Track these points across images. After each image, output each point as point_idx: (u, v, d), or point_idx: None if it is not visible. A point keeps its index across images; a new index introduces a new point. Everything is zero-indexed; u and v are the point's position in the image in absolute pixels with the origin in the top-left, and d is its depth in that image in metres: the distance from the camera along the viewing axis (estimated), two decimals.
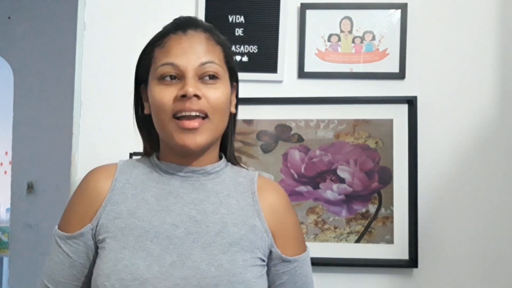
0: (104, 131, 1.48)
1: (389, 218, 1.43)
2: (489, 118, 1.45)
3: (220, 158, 1.02)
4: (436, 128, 1.45)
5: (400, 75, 1.46)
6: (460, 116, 1.46)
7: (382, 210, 1.44)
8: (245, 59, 1.48)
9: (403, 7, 1.46)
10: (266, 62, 1.47)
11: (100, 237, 0.92)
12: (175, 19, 0.99)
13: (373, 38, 1.47)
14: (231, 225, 0.93)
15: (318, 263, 1.40)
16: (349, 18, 1.48)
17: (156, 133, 1.00)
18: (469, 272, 1.43)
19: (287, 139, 1.47)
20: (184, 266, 0.88)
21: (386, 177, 1.44)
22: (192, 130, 0.91)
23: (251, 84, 1.44)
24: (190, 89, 0.90)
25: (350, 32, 1.48)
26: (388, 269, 1.43)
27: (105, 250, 0.91)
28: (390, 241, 1.43)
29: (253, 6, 1.48)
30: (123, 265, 0.88)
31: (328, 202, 1.44)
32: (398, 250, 1.42)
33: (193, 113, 0.91)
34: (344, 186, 1.44)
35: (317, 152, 1.46)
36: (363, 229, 1.44)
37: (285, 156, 1.46)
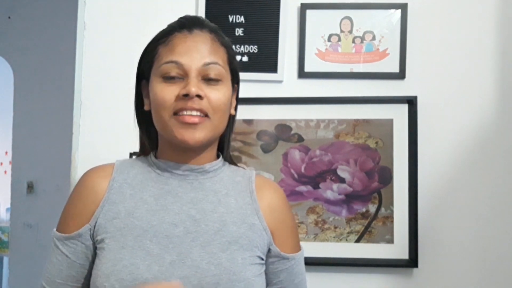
0: (104, 131, 1.48)
1: (389, 218, 1.43)
2: (489, 118, 1.45)
3: (218, 157, 1.03)
4: (436, 128, 1.45)
5: (400, 75, 1.46)
6: (460, 116, 1.46)
7: (382, 210, 1.44)
8: (245, 59, 1.48)
9: (403, 7, 1.46)
10: (266, 62, 1.47)
11: (99, 238, 0.92)
12: (181, 18, 0.99)
13: (373, 38, 1.47)
14: (230, 224, 0.93)
15: (318, 263, 1.40)
16: (349, 18, 1.48)
17: (155, 130, 1.00)
18: (469, 272, 1.43)
19: (287, 139, 1.47)
20: (184, 265, 0.88)
21: (386, 177, 1.44)
22: (192, 125, 0.91)
23: (251, 84, 1.44)
24: (193, 89, 0.90)
25: (350, 32, 1.48)
26: (388, 269, 1.43)
27: (104, 251, 0.90)
28: (390, 241, 1.43)
29: (253, 6, 1.48)
30: (122, 265, 0.88)
31: (328, 202, 1.44)
32: (398, 250, 1.42)
33: (194, 112, 0.92)
34: (344, 186, 1.44)
35: (317, 152, 1.46)
36: (363, 229, 1.44)
37: (285, 156, 1.46)
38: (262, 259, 0.96)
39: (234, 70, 1.00)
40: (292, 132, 1.47)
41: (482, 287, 1.43)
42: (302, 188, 1.45)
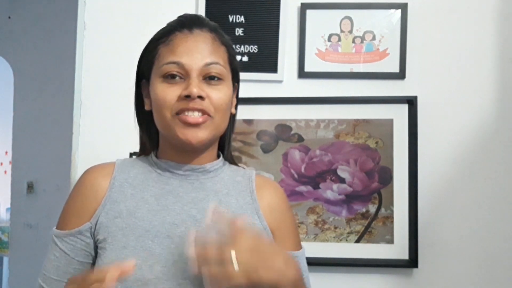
0: (104, 131, 1.48)
1: (389, 218, 1.43)
2: (489, 118, 1.45)
3: (218, 157, 1.03)
4: (436, 128, 1.45)
5: (400, 75, 1.46)
6: (460, 116, 1.46)
7: (382, 210, 1.43)
8: (245, 59, 1.48)
9: (403, 7, 1.46)
10: (266, 62, 1.47)
11: (100, 237, 0.92)
12: (180, 17, 0.99)
13: (373, 38, 1.47)
14: None
15: (318, 263, 1.40)
16: (349, 18, 1.48)
17: (155, 130, 1.00)
18: (469, 272, 1.43)
19: (287, 139, 1.46)
20: (186, 265, 0.88)
21: (386, 177, 1.44)
22: (195, 125, 0.91)
23: (251, 84, 1.44)
24: (194, 90, 0.90)
25: (350, 32, 1.48)
26: (388, 269, 1.43)
27: (106, 251, 0.90)
28: (390, 241, 1.43)
29: (253, 6, 1.48)
30: None
31: (328, 202, 1.44)
32: (398, 250, 1.42)
33: (196, 113, 0.92)
34: (344, 186, 1.44)
35: (317, 152, 1.46)
36: (363, 229, 1.44)
37: (285, 156, 1.46)
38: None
39: (235, 69, 1.00)
40: (292, 132, 1.47)
41: (482, 287, 1.43)
42: (302, 188, 1.45)
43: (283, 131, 1.47)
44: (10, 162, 3.58)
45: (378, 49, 1.47)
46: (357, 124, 1.45)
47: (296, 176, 1.45)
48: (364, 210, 1.44)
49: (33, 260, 3.13)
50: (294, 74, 1.48)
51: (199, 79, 0.92)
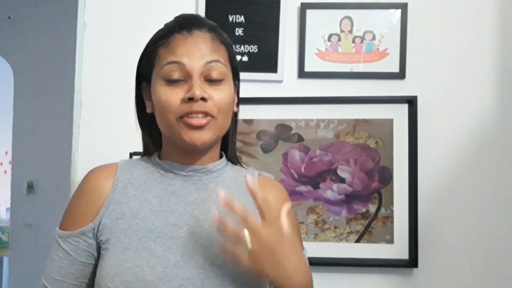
0: (104, 131, 1.48)
1: (389, 218, 1.43)
2: (489, 118, 1.45)
3: (221, 156, 1.02)
4: (436, 128, 1.45)
5: (400, 75, 1.46)
6: (460, 116, 1.46)
7: (382, 210, 1.43)
8: (245, 59, 1.48)
9: (403, 7, 1.46)
10: (266, 62, 1.47)
11: (103, 238, 0.92)
12: (178, 17, 0.99)
13: (373, 38, 1.47)
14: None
15: (318, 263, 1.40)
16: (349, 18, 1.48)
17: (158, 132, 1.00)
18: (469, 272, 1.43)
19: (287, 139, 1.46)
20: (187, 266, 0.88)
21: (386, 177, 1.44)
22: (199, 127, 0.91)
23: (251, 84, 1.44)
24: (197, 92, 0.90)
25: (350, 32, 1.48)
26: (388, 269, 1.43)
27: (108, 251, 0.90)
28: (390, 241, 1.43)
29: (253, 6, 1.48)
30: (127, 266, 0.88)
31: (328, 202, 1.44)
32: (398, 250, 1.42)
33: (200, 115, 0.91)
34: (344, 186, 1.44)
35: (317, 152, 1.46)
36: (363, 229, 1.44)
37: (285, 156, 1.46)
38: None
39: (235, 67, 1.00)
40: (292, 132, 1.47)
41: (482, 287, 1.43)
42: (302, 188, 1.45)
43: (283, 131, 1.47)
44: (10, 162, 3.58)
45: (378, 49, 1.47)
46: (357, 124, 1.45)
47: (296, 176, 1.45)
48: (364, 210, 1.44)
49: (33, 260, 3.13)
50: (294, 74, 1.48)
51: (201, 80, 0.92)
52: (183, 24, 0.96)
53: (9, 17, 3.42)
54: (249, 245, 0.81)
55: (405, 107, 1.45)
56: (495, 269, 1.43)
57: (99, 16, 1.51)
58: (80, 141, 1.49)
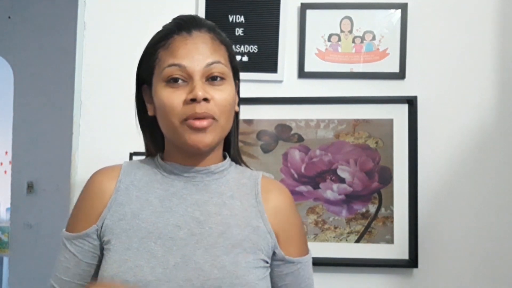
0: (104, 131, 1.48)
1: (389, 218, 1.43)
2: (489, 118, 1.45)
3: (224, 157, 1.02)
4: (436, 128, 1.45)
5: (400, 75, 1.46)
6: (460, 116, 1.46)
7: (382, 210, 1.44)
8: (245, 59, 1.48)
9: (403, 7, 1.46)
10: (266, 62, 1.47)
11: (105, 239, 0.93)
12: (176, 19, 0.98)
13: (373, 38, 1.47)
14: (234, 226, 0.93)
15: (318, 263, 1.40)
16: (349, 18, 1.48)
17: (160, 133, 1.00)
18: (469, 272, 1.43)
19: (287, 139, 1.46)
20: (187, 267, 0.88)
21: (386, 177, 1.44)
22: (201, 129, 0.91)
23: (251, 84, 1.44)
24: (200, 93, 0.90)
25: (350, 32, 1.48)
26: (388, 269, 1.43)
27: (109, 252, 0.91)
28: (390, 241, 1.43)
29: (253, 6, 1.48)
30: (127, 267, 0.88)
31: (328, 202, 1.44)
32: (398, 250, 1.42)
33: (202, 116, 0.91)
34: (344, 186, 1.44)
35: (317, 152, 1.46)
36: (363, 229, 1.44)
37: (285, 156, 1.46)
38: (267, 262, 0.95)
39: (235, 67, 1.00)
40: (292, 132, 1.47)
41: (481, 287, 1.43)
42: (302, 188, 1.45)
43: (283, 131, 1.47)
44: (10, 162, 3.58)
45: (378, 49, 1.47)
46: (357, 124, 1.45)
47: (296, 176, 1.45)
48: (364, 210, 1.44)
49: (33, 260, 3.14)
50: (294, 74, 1.48)
51: (202, 81, 0.92)
52: (182, 25, 0.95)
53: (9, 17, 3.42)
54: None
55: (405, 107, 1.45)
56: (495, 269, 1.43)
57: (99, 16, 1.51)
58: (80, 141, 1.49)
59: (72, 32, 1.53)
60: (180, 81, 0.92)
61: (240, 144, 1.44)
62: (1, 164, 4.64)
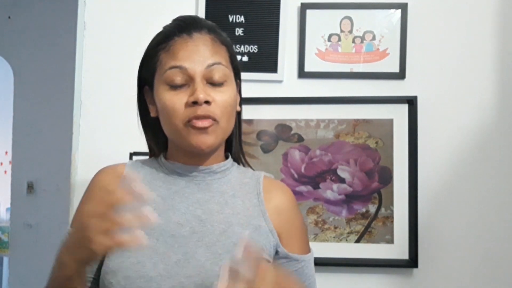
0: (104, 131, 1.48)
1: (389, 218, 1.43)
2: (489, 118, 1.45)
3: (227, 157, 1.03)
4: (436, 128, 1.45)
5: (400, 75, 1.46)
6: (460, 116, 1.46)
7: (382, 210, 1.44)
8: (245, 59, 1.48)
9: (403, 7, 1.46)
10: (266, 62, 1.47)
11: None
12: (177, 20, 0.99)
13: (373, 38, 1.47)
14: (235, 225, 0.93)
15: (318, 263, 1.39)
16: (349, 18, 1.48)
17: (162, 134, 1.00)
18: (469, 272, 1.43)
19: (287, 139, 1.47)
20: (188, 264, 0.89)
21: (386, 177, 1.44)
22: (203, 130, 0.92)
23: (251, 84, 1.44)
24: (201, 96, 0.91)
25: (350, 32, 1.48)
26: (388, 269, 1.43)
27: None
28: (390, 241, 1.43)
29: (253, 6, 1.48)
30: (129, 262, 0.89)
31: (328, 202, 1.44)
32: (398, 250, 1.42)
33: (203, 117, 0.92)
34: (344, 186, 1.44)
35: (317, 152, 1.46)
36: (363, 229, 1.44)
37: (285, 156, 1.46)
38: (268, 261, 0.95)
39: (236, 67, 1.01)
40: (292, 132, 1.47)
41: (481, 287, 1.43)
42: (302, 188, 1.45)
43: (283, 131, 1.47)
44: (10, 162, 3.58)
45: (378, 49, 1.47)
46: (357, 124, 1.45)
47: (296, 176, 1.45)
48: (364, 210, 1.44)
49: (33, 260, 3.14)
50: (294, 74, 1.48)
51: (204, 83, 0.93)
52: (183, 26, 0.96)
53: (9, 17, 3.42)
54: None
55: (405, 107, 1.45)
56: (495, 269, 1.43)
57: (99, 16, 1.51)
58: (80, 141, 1.49)
59: (72, 32, 1.53)
60: (181, 84, 0.93)
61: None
62: (1, 164, 4.64)
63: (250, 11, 1.48)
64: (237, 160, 1.06)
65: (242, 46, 1.48)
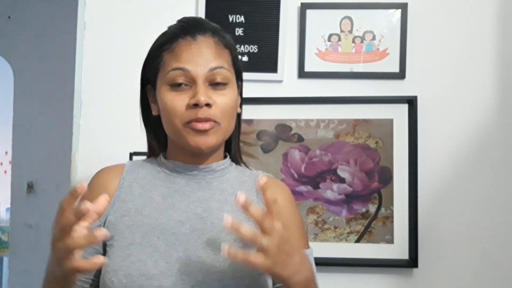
0: (104, 131, 1.48)
1: (389, 218, 1.43)
2: (489, 118, 1.45)
3: (225, 157, 1.04)
4: (436, 128, 1.45)
5: (400, 75, 1.46)
6: (460, 116, 1.46)
7: (382, 210, 1.44)
8: (245, 59, 1.48)
9: (403, 7, 1.46)
10: (266, 62, 1.47)
11: (108, 235, 0.93)
12: (181, 21, 1.00)
13: (373, 38, 1.47)
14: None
15: (318, 263, 1.39)
16: (349, 18, 1.48)
17: (163, 133, 1.01)
18: (469, 272, 1.43)
19: (287, 139, 1.47)
20: (189, 261, 0.90)
21: (386, 177, 1.44)
22: (204, 131, 0.93)
23: (251, 84, 1.44)
24: (202, 98, 0.92)
25: (350, 32, 1.48)
26: (388, 269, 1.43)
27: (113, 247, 0.93)
28: (390, 241, 1.43)
29: (253, 6, 1.48)
30: (130, 261, 0.90)
31: (328, 202, 1.44)
32: (398, 250, 1.42)
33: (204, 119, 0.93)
34: (344, 186, 1.44)
35: (317, 152, 1.46)
36: (363, 229, 1.44)
37: (285, 156, 1.46)
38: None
39: (238, 69, 1.02)
40: (292, 132, 1.47)
41: (481, 287, 1.43)
42: (302, 188, 1.45)
43: (283, 131, 1.47)
44: (10, 162, 3.58)
45: (378, 49, 1.47)
46: (357, 124, 1.45)
47: (296, 176, 1.45)
48: (364, 210, 1.44)
49: (33, 260, 3.13)
50: (294, 74, 1.48)
51: (205, 86, 0.94)
52: (187, 28, 0.97)
53: (9, 17, 3.42)
54: (265, 241, 0.80)
55: (405, 107, 1.45)
56: (495, 269, 1.43)
57: (99, 16, 1.51)
58: (80, 141, 1.49)
59: (72, 32, 1.53)
60: (183, 85, 0.94)
61: (240, 144, 1.45)
62: (1, 164, 4.63)
63: (250, 11, 1.48)
64: (235, 160, 1.07)
65: (242, 46, 1.48)
